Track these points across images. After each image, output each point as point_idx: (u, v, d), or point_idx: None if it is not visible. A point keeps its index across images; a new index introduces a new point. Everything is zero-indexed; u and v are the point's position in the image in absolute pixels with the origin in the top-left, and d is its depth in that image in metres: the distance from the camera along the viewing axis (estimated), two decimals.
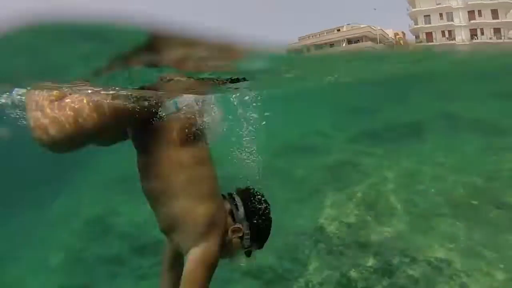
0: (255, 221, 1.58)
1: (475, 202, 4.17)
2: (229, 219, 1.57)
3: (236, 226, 1.56)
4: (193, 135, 1.55)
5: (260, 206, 1.63)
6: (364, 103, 10.71)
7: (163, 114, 1.54)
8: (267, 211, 1.63)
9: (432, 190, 4.55)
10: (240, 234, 1.56)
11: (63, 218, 8.85)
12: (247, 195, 1.66)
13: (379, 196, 4.65)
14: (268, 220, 1.63)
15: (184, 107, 1.59)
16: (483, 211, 4.10)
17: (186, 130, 1.53)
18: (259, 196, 1.66)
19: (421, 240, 3.95)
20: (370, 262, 4.09)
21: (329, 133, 8.73)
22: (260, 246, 1.64)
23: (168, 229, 1.57)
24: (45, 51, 1.35)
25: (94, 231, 8.06)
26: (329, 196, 5.17)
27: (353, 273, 4.18)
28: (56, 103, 1.44)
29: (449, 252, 3.74)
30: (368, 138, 7.87)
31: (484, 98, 9.55)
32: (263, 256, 5.63)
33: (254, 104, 1.91)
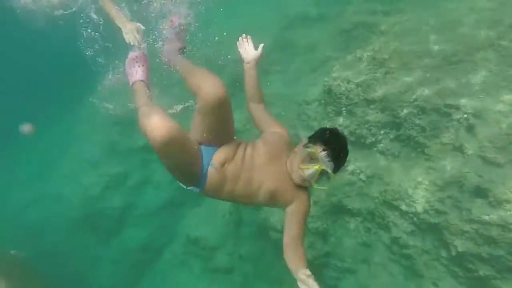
0: (341, 159, 1.68)
1: (503, 43, 3.79)
2: None
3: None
4: None
5: (340, 141, 1.70)
6: None
7: None
8: (343, 139, 1.72)
9: (450, 38, 4.15)
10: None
11: (92, 116, 9.37)
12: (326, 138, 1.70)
13: (391, 52, 4.35)
14: (347, 149, 1.70)
15: None
16: (508, 51, 3.75)
17: None
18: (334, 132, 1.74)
19: (432, 90, 3.83)
20: (378, 117, 4.12)
21: None
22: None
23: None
24: None
25: (121, 125, 8.59)
26: (340, 60, 4.93)
27: (361, 130, 4.30)
28: None
29: (459, 98, 3.63)
30: None
31: None
32: None
33: None
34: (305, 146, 1.71)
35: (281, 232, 5.21)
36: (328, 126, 1.82)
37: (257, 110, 2.02)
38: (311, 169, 1.62)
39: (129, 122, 8.76)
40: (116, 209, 8.25)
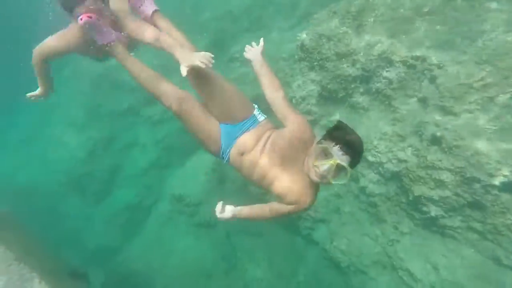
0: (356, 152, 1.61)
1: None
2: None
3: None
4: None
5: (352, 135, 1.64)
6: None
7: None
8: (354, 134, 1.65)
9: None
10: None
11: (74, 83, 9.26)
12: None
13: (365, 5, 4.31)
14: (360, 143, 1.64)
15: None
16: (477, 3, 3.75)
17: None
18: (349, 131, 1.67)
19: (400, 43, 3.86)
20: (349, 71, 4.18)
21: None
22: None
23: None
24: None
25: (103, 88, 8.56)
26: (316, 15, 4.87)
27: (333, 85, 4.37)
28: None
29: (426, 50, 3.69)
30: None
31: None
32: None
33: None
34: (318, 142, 1.70)
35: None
36: (341, 121, 1.74)
37: (275, 100, 1.94)
38: (326, 164, 1.60)
39: (111, 86, 8.73)
40: (104, 171, 8.42)
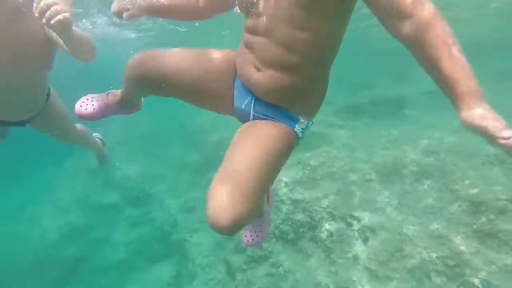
0: None
1: (404, 172, 4.51)
2: None
3: None
4: None
5: None
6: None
7: None
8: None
9: (370, 163, 4.91)
10: None
11: (72, 171, 10.07)
12: None
13: (323, 162, 5.08)
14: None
15: None
16: (410, 181, 4.43)
17: None
18: None
19: (342, 201, 4.41)
20: (299, 217, 4.63)
21: None
22: None
23: None
24: None
25: (96, 181, 9.22)
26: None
27: (284, 226, 4.77)
28: None
29: (363, 211, 4.19)
30: (351, 112, 8.12)
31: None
32: None
33: None
34: None
35: None
36: None
37: None
38: None
39: (104, 181, 9.42)
40: (68, 260, 8.29)
